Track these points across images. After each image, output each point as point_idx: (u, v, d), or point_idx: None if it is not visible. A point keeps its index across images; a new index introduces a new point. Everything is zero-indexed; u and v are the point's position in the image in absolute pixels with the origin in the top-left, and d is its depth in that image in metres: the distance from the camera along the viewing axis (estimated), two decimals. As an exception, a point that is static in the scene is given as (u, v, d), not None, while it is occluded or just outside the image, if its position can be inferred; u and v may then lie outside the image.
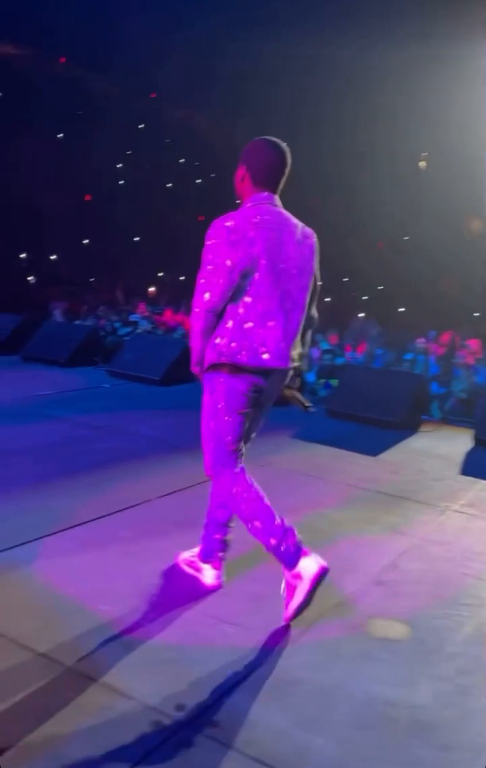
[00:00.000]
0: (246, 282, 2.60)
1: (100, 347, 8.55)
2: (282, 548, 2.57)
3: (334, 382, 8.75)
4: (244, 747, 2.02)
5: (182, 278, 20.33)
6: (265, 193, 2.72)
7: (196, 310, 2.64)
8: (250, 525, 2.63)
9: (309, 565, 2.54)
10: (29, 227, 19.87)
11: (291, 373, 2.80)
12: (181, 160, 27.67)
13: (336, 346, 10.72)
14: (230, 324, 2.62)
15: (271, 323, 2.63)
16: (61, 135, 24.44)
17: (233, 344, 2.60)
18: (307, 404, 3.01)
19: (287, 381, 2.82)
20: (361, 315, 14.78)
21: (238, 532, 2.93)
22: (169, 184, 25.84)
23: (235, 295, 2.61)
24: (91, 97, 24.34)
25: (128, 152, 26.21)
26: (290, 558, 2.56)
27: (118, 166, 25.73)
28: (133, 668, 2.34)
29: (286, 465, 4.72)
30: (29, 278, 17.12)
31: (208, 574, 2.96)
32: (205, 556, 2.96)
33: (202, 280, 2.61)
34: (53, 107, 22.24)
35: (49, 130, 22.88)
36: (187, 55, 20.98)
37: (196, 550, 3.04)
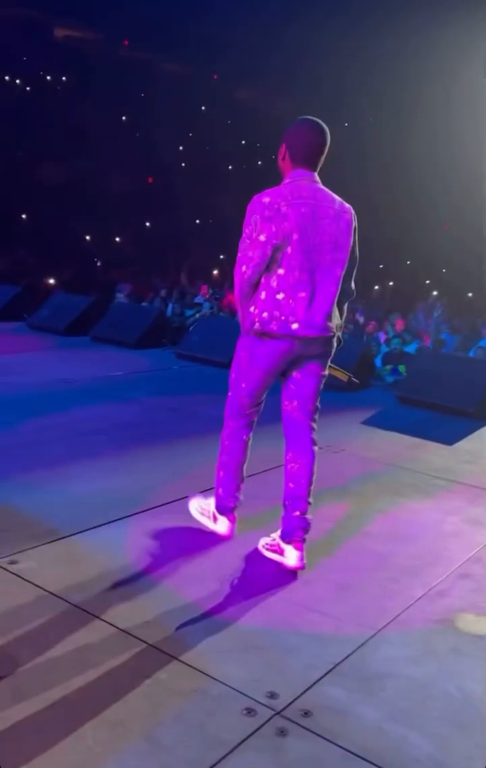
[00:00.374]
0: (279, 255, 2.77)
1: (167, 329, 8.57)
2: (223, 502, 3.08)
3: (402, 369, 8.60)
4: (338, 739, 1.99)
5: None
6: (303, 171, 2.86)
7: (236, 281, 2.87)
8: (216, 473, 3.10)
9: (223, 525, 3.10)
10: (94, 210, 20.06)
11: (332, 341, 2.94)
12: (243, 142, 27.52)
13: (403, 331, 10.54)
14: (263, 295, 2.82)
15: (301, 294, 2.80)
16: (125, 118, 24.52)
17: (265, 314, 2.81)
18: (349, 376, 3.25)
19: (330, 350, 2.97)
20: (431, 296, 14.52)
21: (315, 524, 2.88)
22: (231, 166, 25.72)
23: (269, 267, 2.80)
24: (154, 80, 24.32)
25: (190, 134, 26.15)
26: (221, 506, 3.09)
27: (179, 148, 25.71)
28: (222, 652, 2.33)
29: (360, 452, 4.65)
30: (95, 260, 17.31)
31: (290, 556, 2.92)
32: (286, 536, 2.95)
33: (240, 254, 2.82)
34: (116, 90, 22.32)
35: (113, 114, 22.99)
36: (251, 36, 20.76)
37: (276, 533, 3.03)
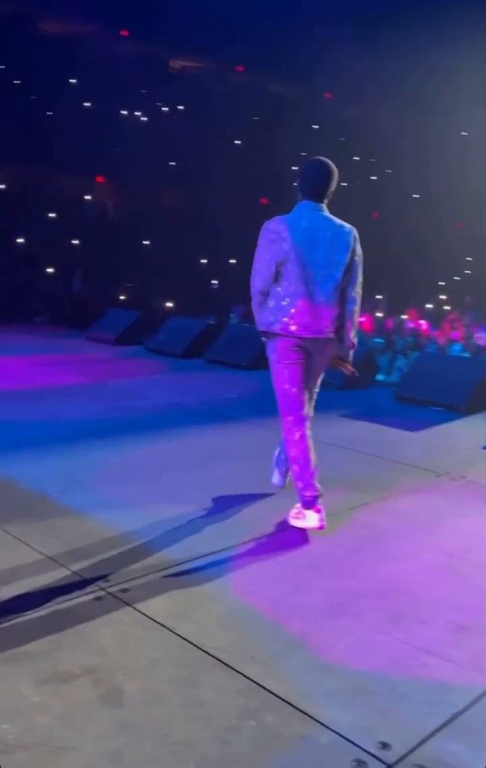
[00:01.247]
0: (282, 270, 3.41)
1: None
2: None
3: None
4: (456, 799, 1.84)
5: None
6: (308, 202, 3.49)
7: (252, 292, 3.49)
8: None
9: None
10: (211, 234, 20.45)
11: (331, 341, 3.51)
12: (356, 158, 27.38)
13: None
14: (272, 303, 3.45)
15: (299, 302, 3.40)
16: (239, 142, 24.94)
17: (271, 317, 3.45)
18: (350, 369, 3.66)
19: (335, 351, 3.57)
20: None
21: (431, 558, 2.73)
22: (345, 183, 25.68)
23: (276, 279, 3.42)
24: (267, 102, 24.66)
25: (303, 153, 26.23)
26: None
27: (293, 168, 25.91)
28: (331, 695, 2.23)
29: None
30: (211, 283, 17.61)
31: (311, 518, 3.41)
32: (306, 504, 3.43)
33: (253, 270, 3.46)
34: (231, 114, 22.77)
35: (228, 137, 23.43)
36: (360, 55, 20.69)
37: (298, 504, 3.49)
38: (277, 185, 23.08)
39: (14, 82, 20.46)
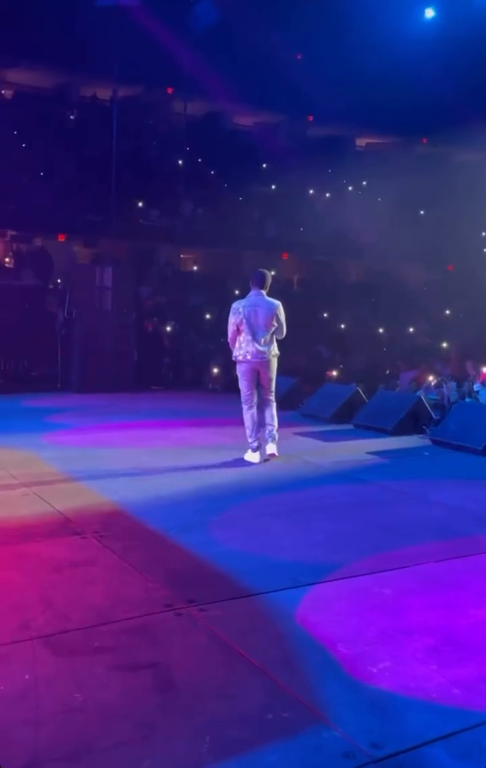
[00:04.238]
0: (240, 328, 6.59)
1: (428, 416, 8.76)
2: (252, 444, 6.66)
3: None
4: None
5: None
6: (254, 290, 6.73)
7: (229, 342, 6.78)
8: (246, 431, 6.73)
9: (252, 456, 6.61)
10: (392, 303, 20.98)
11: (269, 361, 6.69)
12: None
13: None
14: (237, 345, 6.68)
15: (246, 342, 6.60)
16: (423, 212, 25.42)
17: (237, 352, 6.68)
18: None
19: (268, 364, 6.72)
20: None
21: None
22: None
23: (239, 331, 6.62)
24: (450, 170, 25.04)
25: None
26: (252, 448, 6.66)
27: (483, 234, 25.84)
28: (348, 704, 2.57)
29: None
30: (384, 349, 18.00)
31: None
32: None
33: (228, 331, 6.73)
34: (415, 186, 23.40)
35: (411, 207, 24.02)
36: None
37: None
38: (462, 251, 23.20)
39: (210, 172, 22.66)
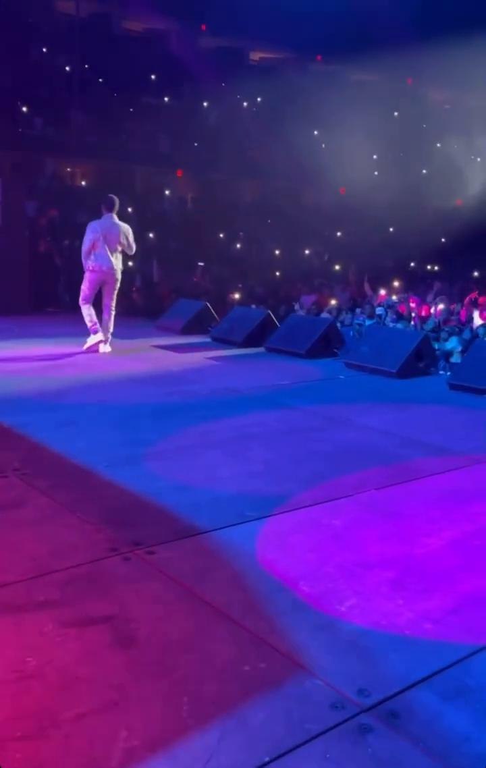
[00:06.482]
0: (96, 245, 7.96)
1: (339, 339, 8.68)
2: (93, 329, 8.16)
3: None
4: (420, 742, 2.01)
5: (435, 267, 19.82)
6: (106, 213, 8.03)
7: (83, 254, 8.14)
8: (88, 323, 8.18)
9: (92, 339, 8.19)
10: (287, 226, 20.61)
11: (113, 272, 8.09)
12: (438, 145, 26.89)
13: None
14: (91, 258, 8.01)
15: (101, 256, 7.98)
16: (316, 132, 24.83)
17: (90, 263, 8.02)
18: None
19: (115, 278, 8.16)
20: None
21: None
22: (425, 170, 25.20)
23: (94, 248, 7.98)
24: (347, 90, 24.45)
25: (383, 140, 25.87)
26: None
27: (373, 157, 25.64)
28: (324, 648, 2.43)
29: None
30: (276, 273, 17.75)
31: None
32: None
33: (83, 246, 8.12)
34: (312, 104, 22.74)
35: (307, 127, 23.40)
36: (443, 38, 20.34)
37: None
38: (355, 175, 22.99)
39: (98, 80, 21.07)
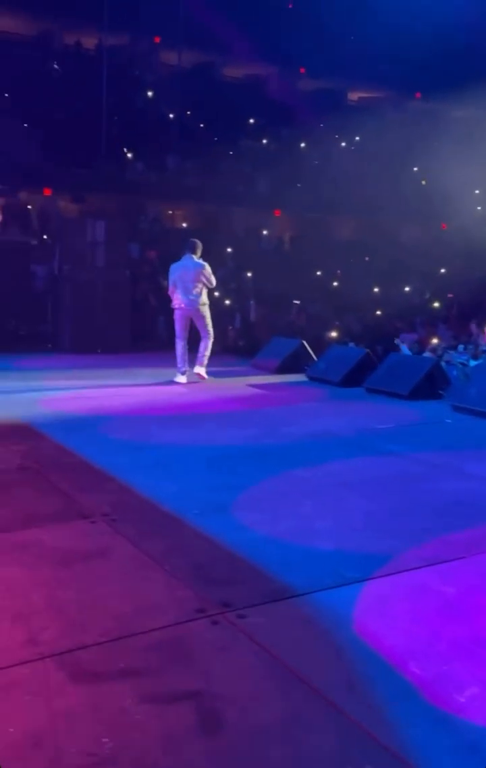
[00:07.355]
0: (176, 283, 8.72)
1: (445, 380, 8.25)
2: (180, 368, 8.78)
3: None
4: None
5: None
6: (186, 254, 8.69)
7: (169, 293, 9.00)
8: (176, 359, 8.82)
9: (180, 378, 8.73)
10: (386, 263, 20.27)
11: (199, 308, 8.71)
12: None
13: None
14: (174, 296, 8.76)
15: (181, 292, 8.65)
16: (416, 169, 24.59)
17: (174, 301, 8.78)
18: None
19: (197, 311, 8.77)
20: None
21: None
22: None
23: (175, 287, 8.73)
24: (447, 126, 24.16)
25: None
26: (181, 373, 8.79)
27: (476, 192, 25.08)
28: (441, 750, 2.08)
29: None
30: (377, 312, 17.35)
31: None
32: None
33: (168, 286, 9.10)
34: (411, 141, 22.55)
35: (406, 164, 23.23)
36: None
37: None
38: (457, 210, 22.51)
39: (199, 125, 21.62)
